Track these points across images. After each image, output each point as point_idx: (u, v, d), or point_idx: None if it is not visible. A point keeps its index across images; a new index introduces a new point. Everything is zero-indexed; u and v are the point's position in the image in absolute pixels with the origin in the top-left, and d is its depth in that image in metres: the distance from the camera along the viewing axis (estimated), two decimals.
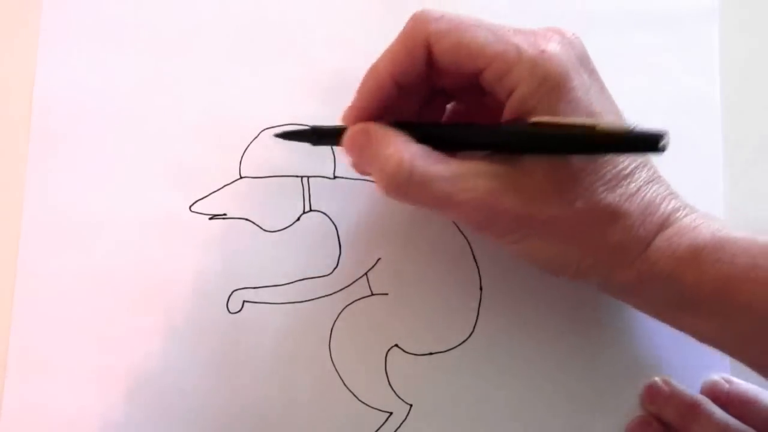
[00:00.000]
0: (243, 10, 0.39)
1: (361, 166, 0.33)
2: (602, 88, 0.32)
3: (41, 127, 0.37)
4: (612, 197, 0.30)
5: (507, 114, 0.31)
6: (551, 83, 0.29)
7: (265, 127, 0.38)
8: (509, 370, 0.37)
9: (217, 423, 0.36)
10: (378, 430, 0.36)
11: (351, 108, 0.33)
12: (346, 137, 0.32)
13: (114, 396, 0.36)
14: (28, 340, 0.36)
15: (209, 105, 0.38)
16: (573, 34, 0.32)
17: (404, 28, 0.32)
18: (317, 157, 0.37)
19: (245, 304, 0.37)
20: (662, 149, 0.27)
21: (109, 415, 0.36)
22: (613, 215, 0.30)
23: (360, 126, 0.32)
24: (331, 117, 0.37)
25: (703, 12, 0.40)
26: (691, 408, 0.35)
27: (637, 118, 0.39)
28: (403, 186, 0.30)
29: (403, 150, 0.30)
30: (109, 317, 0.36)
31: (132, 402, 0.36)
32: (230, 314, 0.37)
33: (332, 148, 0.38)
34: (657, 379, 0.36)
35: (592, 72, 0.32)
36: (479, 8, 0.39)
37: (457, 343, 0.37)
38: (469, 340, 0.37)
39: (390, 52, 0.32)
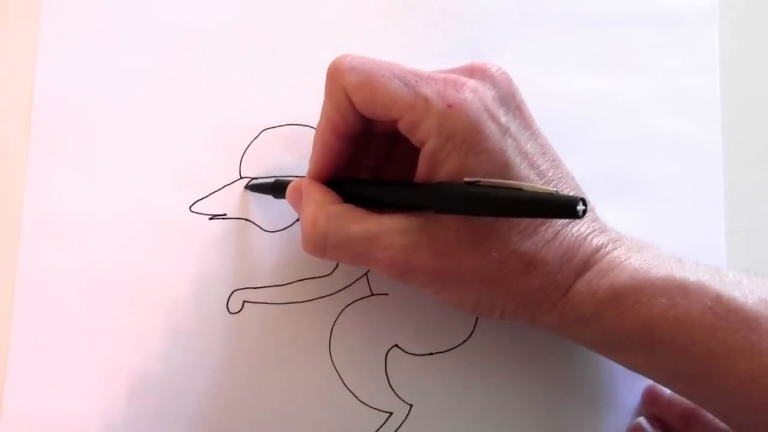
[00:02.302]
0: (243, 10, 0.39)
1: None
2: (527, 124, 0.32)
3: (41, 127, 0.37)
4: (527, 246, 0.30)
5: (420, 165, 0.31)
6: (458, 139, 0.29)
7: (265, 127, 0.38)
8: (509, 370, 0.37)
9: (217, 423, 0.36)
10: (378, 430, 0.36)
11: (309, 165, 0.34)
12: (286, 193, 0.34)
13: (114, 396, 0.36)
14: (28, 340, 0.36)
15: (209, 105, 0.38)
16: (498, 69, 0.32)
17: (325, 82, 0.32)
18: None
19: (245, 304, 0.37)
20: (579, 215, 0.26)
21: (109, 415, 0.36)
22: (530, 264, 0.30)
23: (295, 183, 0.34)
24: None
25: (703, 12, 0.40)
26: (692, 412, 0.35)
27: (637, 118, 0.39)
28: (319, 247, 0.32)
29: (320, 212, 0.31)
30: (109, 317, 0.36)
31: (132, 402, 0.36)
32: (230, 314, 0.37)
33: None
34: None
35: (517, 109, 0.32)
36: (482, 8, 0.39)
37: (457, 343, 0.37)
38: (469, 340, 0.37)
39: (323, 109, 0.32)
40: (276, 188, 0.36)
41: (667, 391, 0.36)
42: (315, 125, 0.37)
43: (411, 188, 0.32)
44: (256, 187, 0.37)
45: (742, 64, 0.40)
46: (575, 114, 0.39)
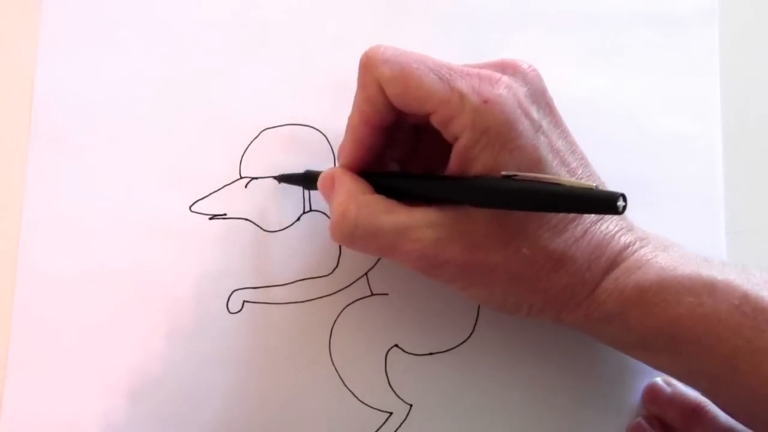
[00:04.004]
0: (243, 9, 0.39)
1: None
2: (557, 122, 0.32)
3: (41, 127, 0.37)
4: (557, 242, 0.30)
5: (453, 160, 0.31)
6: (493, 134, 0.29)
7: (265, 127, 0.38)
8: (509, 370, 0.37)
9: (217, 423, 0.36)
10: (378, 430, 0.36)
11: (340, 156, 0.34)
12: (318, 182, 0.34)
13: (114, 397, 0.36)
14: (28, 340, 0.36)
15: (209, 105, 0.38)
16: (529, 66, 0.32)
17: (358, 73, 0.32)
18: (317, 158, 0.37)
19: (245, 304, 0.37)
20: (619, 210, 0.26)
21: (109, 415, 0.36)
22: (559, 261, 0.30)
23: (328, 172, 0.33)
24: (330, 117, 0.37)
25: (703, 12, 0.40)
26: (693, 410, 0.35)
27: (637, 118, 0.39)
28: (347, 236, 0.31)
29: (351, 201, 0.31)
30: (109, 317, 0.36)
31: (132, 402, 0.36)
32: (230, 314, 0.37)
33: (331, 147, 0.38)
34: (658, 379, 0.36)
35: (546, 106, 0.32)
36: (482, 8, 0.40)
37: (457, 343, 0.37)
38: (469, 340, 0.37)
39: (355, 101, 0.32)
40: (308, 179, 0.36)
41: (668, 391, 0.36)
42: (315, 125, 0.38)
43: (446, 181, 0.31)
44: (286, 178, 0.37)
45: (742, 64, 0.40)
46: (575, 114, 0.39)
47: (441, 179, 0.32)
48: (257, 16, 0.39)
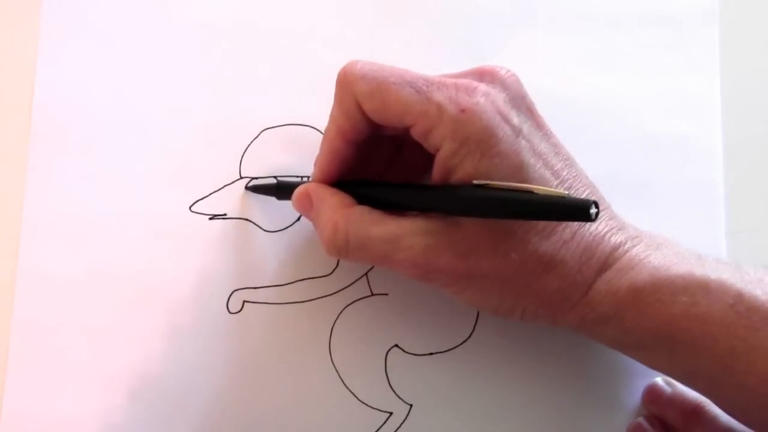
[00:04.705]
0: (243, 9, 0.39)
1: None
2: (539, 125, 0.32)
3: (41, 127, 0.37)
4: (546, 246, 0.30)
5: (435, 170, 0.31)
6: (473, 143, 0.29)
7: (265, 127, 0.38)
8: (509, 370, 0.37)
9: (217, 423, 0.36)
10: (378, 430, 0.36)
11: (315, 170, 0.34)
12: (293, 199, 0.34)
13: (114, 397, 0.36)
14: (28, 340, 0.36)
15: (209, 105, 0.38)
16: (507, 72, 0.32)
17: (335, 89, 0.32)
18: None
19: (245, 304, 0.37)
20: (592, 218, 0.26)
21: (109, 415, 0.36)
22: (549, 264, 0.30)
23: (302, 188, 0.33)
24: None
25: (703, 12, 0.40)
26: (694, 410, 0.35)
27: (637, 118, 0.39)
28: (342, 250, 0.32)
29: (339, 215, 0.31)
30: (109, 318, 0.36)
31: (132, 402, 0.36)
32: (230, 314, 0.37)
33: None
34: (658, 379, 0.36)
35: (527, 110, 0.32)
36: (482, 8, 0.40)
37: (457, 343, 0.37)
38: (469, 340, 0.37)
39: (332, 116, 0.33)
40: (280, 190, 0.36)
41: (668, 391, 0.36)
42: (315, 125, 0.38)
43: (421, 190, 0.32)
44: (257, 188, 0.37)
45: (742, 64, 0.40)
46: (575, 114, 0.39)
47: (415, 188, 0.32)
48: (258, 15, 0.39)
